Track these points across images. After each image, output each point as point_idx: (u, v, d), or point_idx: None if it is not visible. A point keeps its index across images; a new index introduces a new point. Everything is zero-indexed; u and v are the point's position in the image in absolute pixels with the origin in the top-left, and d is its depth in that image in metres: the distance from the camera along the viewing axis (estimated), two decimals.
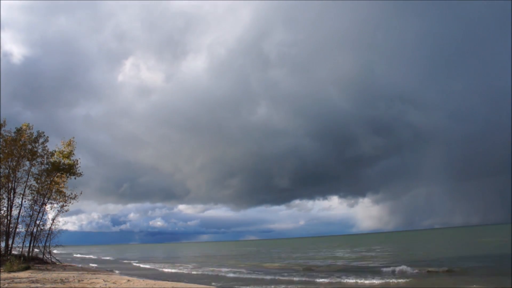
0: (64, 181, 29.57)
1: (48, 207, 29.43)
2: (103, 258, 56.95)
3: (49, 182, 28.94)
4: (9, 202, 27.28)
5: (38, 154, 28.58)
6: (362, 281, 17.58)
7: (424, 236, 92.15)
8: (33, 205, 28.31)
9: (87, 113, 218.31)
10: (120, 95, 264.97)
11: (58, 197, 29.41)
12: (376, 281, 17.32)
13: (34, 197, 28.40)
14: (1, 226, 26.81)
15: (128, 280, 17.81)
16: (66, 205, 29.47)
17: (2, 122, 27.50)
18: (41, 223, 28.81)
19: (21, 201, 27.84)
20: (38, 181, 28.67)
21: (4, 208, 27.18)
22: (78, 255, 66.24)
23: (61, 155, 29.29)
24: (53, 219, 29.15)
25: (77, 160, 29.76)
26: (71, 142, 29.92)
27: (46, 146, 29.09)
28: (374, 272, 21.03)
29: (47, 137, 29.28)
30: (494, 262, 22.49)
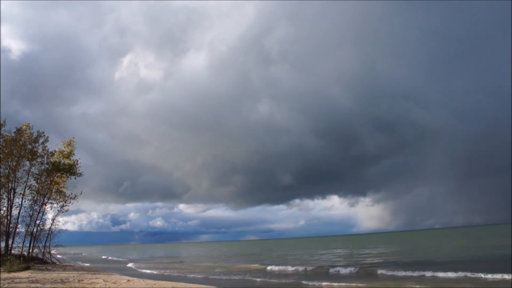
0: (64, 181, 29.60)
1: (48, 207, 29.50)
2: (98, 258, 56.77)
3: (49, 182, 28.95)
4: (9, 202, 27.30)
5: (38, 154, 28.60)
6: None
7: (441, 236, 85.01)
8: (33, 205, 28.37)
9: (86, 111, 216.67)
10: (119, 92, 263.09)
11: (58, 197, 29.46)
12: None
13: (34, 197, 28.43)
14: (1, 226, 26.81)
15: (128, 280, 17.82)
16: (66, 205, 29.56)
17: (2, 122, 27.55)
18: (41, 223, 28.89)
19: (21, 201, 27.88)
20: (38, 181, 28.69)
21: (4, 208, 27.22)
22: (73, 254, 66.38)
23: (61, 155, 29.31)
24: (53, 219, 29.23)
25: (77, 160, 29.83)
26: (71, 142, 29.98)
27: (46, 146, 29.18)
28: None
29: (47, 137, 29.37)
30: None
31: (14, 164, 27.32)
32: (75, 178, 29.80)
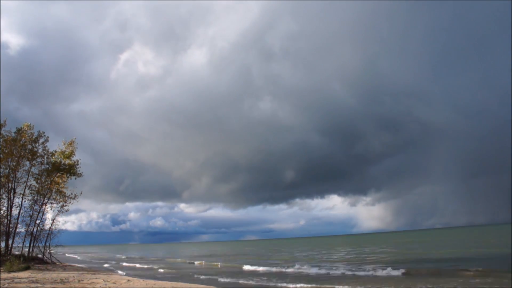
0: (64, 181, 29.60)
1: (48, 207, 29.49)
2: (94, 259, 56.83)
3: (49, 182, 28.95)
4: (9, 202, 27.29)
5: (38, 154, 28.60)
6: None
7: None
8: (33, 205, 28.37)
9: (85, 109, 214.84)
10: (119, 90, 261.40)
11: (58, 197, 29.45)
12: None
13: (34, 197, 28.43)
14: (1, 226, 26.81)
15: (128, 280, 17.82)
16: (66, 205, 29.56)
17: (2, 122, 27.56)
18: (41, 223, 28.88)
19: (21, 201, 27.88)
20: (38, 181, 28.69)
21: (4, 208, 27.21)
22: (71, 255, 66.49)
23: (62, 155, 29.31)
24: (53, 219, 29.22)
25: (78, 161, 29.83)
26: (73, 142, 30.00)
27: (46, 146, 29.18)
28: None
29: (47, 137, 29.37)
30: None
31: (14, 164, 27.32)
32: (75, 179, 29.83)
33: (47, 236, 29.02)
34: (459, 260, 24.74)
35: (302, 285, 16.80)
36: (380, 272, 19.95)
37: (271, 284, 18.13)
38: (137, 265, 34.96)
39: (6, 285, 14.44)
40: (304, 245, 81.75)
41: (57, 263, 29.46)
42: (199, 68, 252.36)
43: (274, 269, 25.52)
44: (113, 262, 41.33)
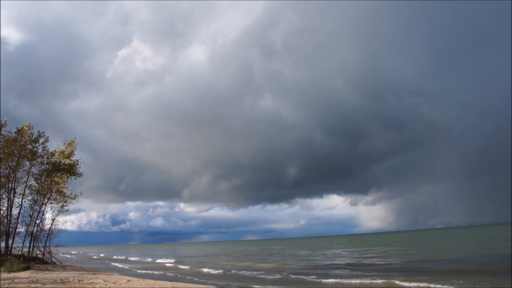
0: (64, 181, 29.61)
1: (48, 207, 29.49)
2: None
3: (49, 182, 28.95)
4: (9, 202, 27.29)
5: (38, 154, 28.61)
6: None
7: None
8: (33, 205, 28.37)
9: (85, 106, 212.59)
10: (118, 88, 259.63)
11: (58, 197, 29.45)
12: None
13: (34, 197, 28.44)
14: (1, 226, 26.81)
15: (128, 280, 17.82)
16: (66, 205, 29.56)
17: (3, 122, 27.59)
18: (41, 223, 28.88)
19: (21, 201, 27.89)
20: (38, 181, 28.69)
21: (4, 208, 27.20)
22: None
23: (62, 155, 29.32)
24: (53, 219, 29.21)
25: (78, 160, 29.85)
26: (72, 142, 30.00)
27: (46, 146, 29.19)
28: None
29: (47, 137, 29.38)
30: None
31: (14, 164, 27.32)
32: (75, 178, 29.84)
33: (47, 236, 29.03)
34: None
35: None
36: None
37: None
38: (156, 272, 27.76)
39: (6, 285, 14.45)
40: (302, 245, 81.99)
41: (57, 263, 29.47)
42: (200, 65, 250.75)
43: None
44: (126, 266, 36.30)
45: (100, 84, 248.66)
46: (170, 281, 19.89)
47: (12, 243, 27.19)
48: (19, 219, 27.67)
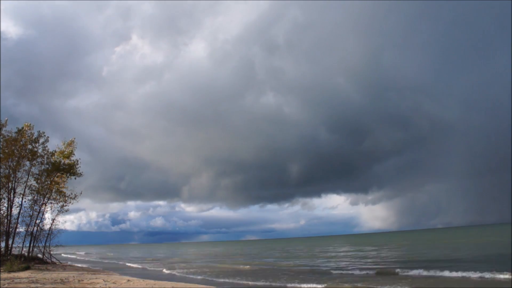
0: (64, 181, 29.62)
1: (48, 207, 29.49)
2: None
3: (49, 182, 28.96)
4: (9, 202, 27.30)
5: (38, 154, 28.62)
6: None
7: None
8: (33, 205, 28.37)
9: (83, 104, 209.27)
10: (118, 85, 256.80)
11: (58, 197, 29.45)
12: None
13: (34, 197, 28.44)
14: (1, 226, 26.82)
15: (128, 280, 17.82)
16: (66, 205, 29.55)
17: (3, 122, 27.62)
18: (41, 223, 28.88)
19: (21, 201, 27.90)
20: (38, 181, 28.70)
21: (4, 208, 27.22)
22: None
23: (61, 155, 29.32)
24: (53, 219, 29.21)
25: (77, 160, 29.86)
26: (72, 142, 30.01)
27: (47, 146, 29.20)
28: None
29: (48, 137, 29.39)
30: None
31: (14, 164, 27.33)
32: (75, 178, 29.84)
33: (47, 236, 29.03)
34: None
35: None
36: None
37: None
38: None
39: (6, 285, 14.45)
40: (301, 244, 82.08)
41: (57, 263, 29.48)
42: (200, 61, 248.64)
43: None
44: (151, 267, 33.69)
45: (100, 81, 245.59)
46: (170, 280, 19.89)
47: (12, 243, 27.21)
48: (19, 219, 27.72)
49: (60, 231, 29.47)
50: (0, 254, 25.92)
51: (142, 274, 24.56)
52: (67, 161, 29.40)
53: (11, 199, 27.34)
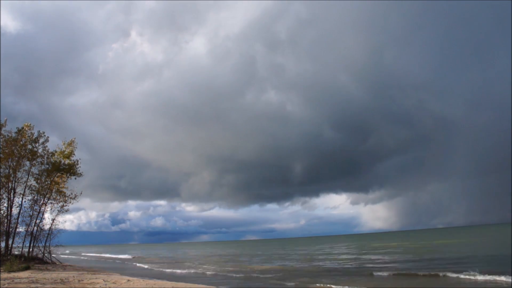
0: (64, 181, 29.61)
1: (48, 207, 29.47)
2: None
3: (49, 182, 28.95)
4: (9, 202, 27.29)
5: (38, 154, 28.61)
6: None
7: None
8: (33, 205, 28.36)
9: (83, 102, 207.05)
10: (119, 81, 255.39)
11: (58, 197, 29.44)
12: None
13: (34, 197, 28.43)
14: (1, 226, 26.81)
15: (128, 280, 17.81)
16: (66, 205, 29.53)
17: (3, 122, 27.60)
18: (41, 223, 28.86)
19: (21, 201, 27.89)
20: (38, 181, 28.69)
21: (4, 208, 27.20)
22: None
23: (62, 155, 29.31)
24: (53, 219, 29.19)
25: (78, 160, 29.85)
26: (72, 142, 30.01)
27: (47, 146, 29.19)
28: None
29: (48, 137, 29.37)
30: None
31: (14, 164, 27.32)
32: (75, 178, 29.84)
33: (47, 236, 29.02)
34: None
35: None
36: None
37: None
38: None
39: (6, 285, 14.44)
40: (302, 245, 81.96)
41: (57, 263, 29.46)
42: (201, 58, 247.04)
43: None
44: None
45: (99, 78, 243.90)
46: (170, 280, 19.88)
47: (12, 243, 27.20)
48: (19, 219, 27.71)
49: (60, 231, 29.50)
50: (0, 254, 25.91)
51: (151, 275, 24.37)
52: (67, 161, 29.39)
53: (11, 199, 27.34)
